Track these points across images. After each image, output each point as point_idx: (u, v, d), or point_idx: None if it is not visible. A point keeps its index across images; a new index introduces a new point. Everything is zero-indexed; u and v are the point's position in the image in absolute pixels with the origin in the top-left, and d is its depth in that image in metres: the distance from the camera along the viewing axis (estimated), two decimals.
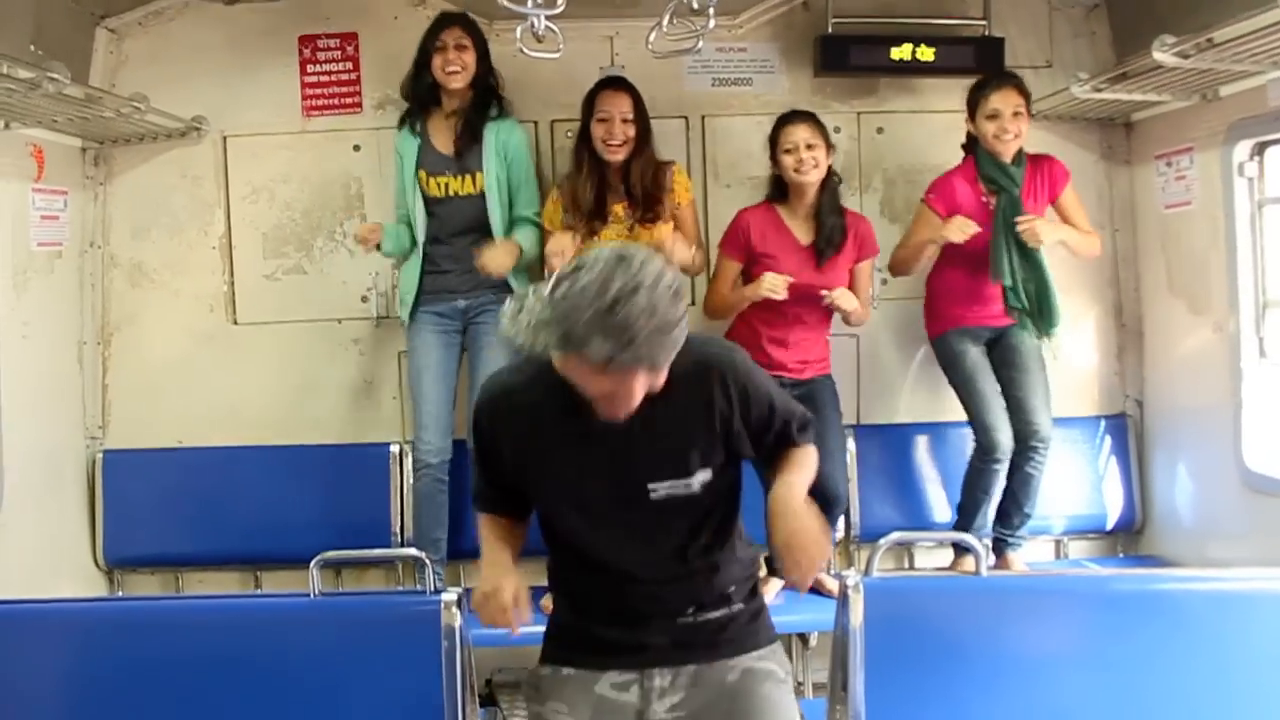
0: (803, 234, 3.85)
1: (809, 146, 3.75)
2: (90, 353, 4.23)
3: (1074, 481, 4.32)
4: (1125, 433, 4.39)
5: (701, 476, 2.13)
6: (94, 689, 2.45)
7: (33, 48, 3.50)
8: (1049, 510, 4.19)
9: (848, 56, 4.13)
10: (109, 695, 2.45)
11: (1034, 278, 3.82)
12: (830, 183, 3.84)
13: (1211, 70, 3.40)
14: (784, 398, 2.26)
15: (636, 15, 3.82)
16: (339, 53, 4.24)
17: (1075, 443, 4.34)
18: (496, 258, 3.76)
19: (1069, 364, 4.34)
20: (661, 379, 1.98)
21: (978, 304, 3.92)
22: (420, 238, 3.90)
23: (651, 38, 3.31)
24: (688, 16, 3.13)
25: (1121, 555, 4.39)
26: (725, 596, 2.22)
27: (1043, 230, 3.78)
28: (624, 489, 2.11)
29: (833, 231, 3.82)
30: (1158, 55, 3.26)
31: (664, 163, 3.91)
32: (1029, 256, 3.82)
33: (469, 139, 3.84)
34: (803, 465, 2.22)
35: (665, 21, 3.13)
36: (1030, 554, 4.20)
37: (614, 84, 3.84)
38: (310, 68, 4.26)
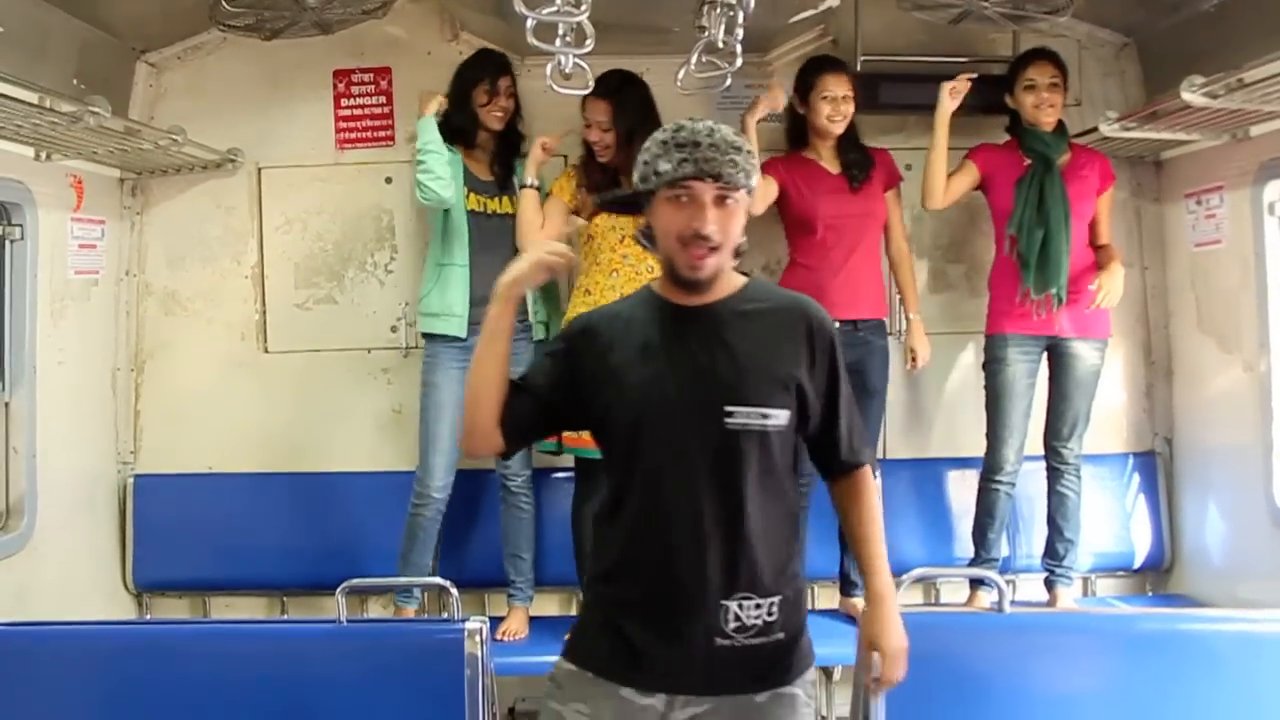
0: (830, 166, 3.97)
1: (844, 98, 3.90)
2: (124, 379, 4.30)
3: (1102, 519, 4.28)
4: (1154, 471, 4.36)
5: (777, 416, 2.12)
6: (123, 711, 2.48)
7: (75, 82, 3.58)
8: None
9: (877, 94, 4.15)
10: (137, 717, 2.47)
11: (1044, 228, 3.83)
12: (853, 125, 3.98)
13: (1241, 110, 3.40)
14: (853, 398, 2.29)
15: (666, 52, 3.85)
16: (372, 87, 4.31)
17: (1103, 480, 4.31)
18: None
19: (1098, 400, 4.31)
20: (735, 226, 2.12)
21: (1024, 306, 3.89)
22: (465, 252, 3.90)
23: (680, 75, 3.36)
24: (716, 53, 3.17)
25: (1150, 594, 4.35)
26: (769, 624, 2.12)
27: (1118, 290, 3.86)
28: (702, 406, 2.10)
29: (859, 159, 3.96)
30: (1186, 96, 3.26)
31: None
32: (1047, 217, 3.83)
33: (502, 170, 3.97)
34: (879, 522, 2.30)
35: (694, 59, 3.17)
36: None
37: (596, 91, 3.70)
38: (344, 101, 4.33)
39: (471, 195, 3.92)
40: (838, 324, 3.72)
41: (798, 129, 4.02)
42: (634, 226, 3.72)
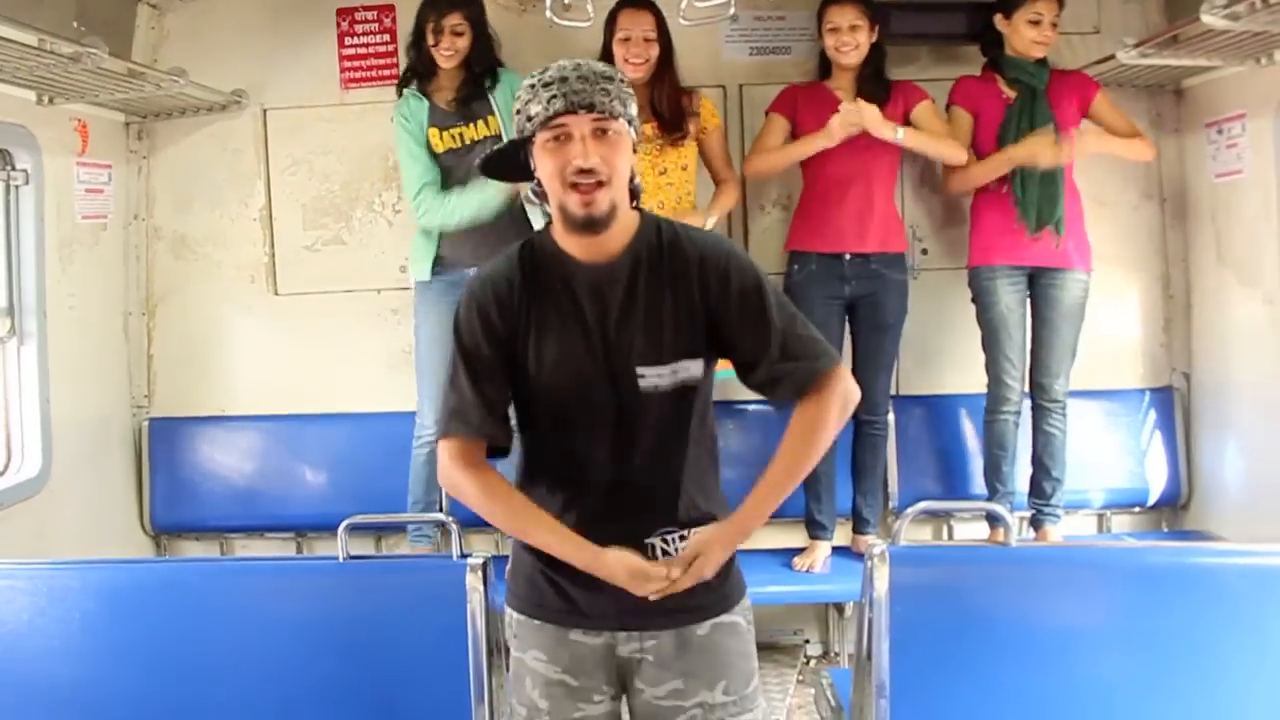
0: (846, 98, 3.86)
1: (852, 28, 3.80)
2: (135, 323, 4.32)
3: (1117, 455, 4.25)
4: (1171, 406, 4.30)
5: (689, 367, 2.09)
6: (131, 644, 2.51)
7: (75, 24, 3.55)
8: (1091, 483, 4.15)
9: (888, 23, 4.06)
10: (146, 650, 2.50)
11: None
12: (875, 56, 3.88)
13: (1265, 33, 3.29)
14: (786, 301, 2.16)
15: None
16: (376, 25, 4.26)
17: (1119, 415, 4.27)
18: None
19: (1114, 335, 4.27)
20: (621, 159, 2.04)
21: (1010, 236, 3.86)
22: None
23: (683, 6, 3.29)
24: None
25: (1166, 530, 4.32)
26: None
27: (1084, 143, 3.79)
28: (614, 371, 2.08)
29: (873, 91, 3.85)
30: (1207, 19, 3.15)
31: (689, 89, 3.88)
32: None
33: (470, 92, 3.86)
34: (802, 450, 2.14)
35: None
36: (1072, 527, 4.15)
37: (635, 2, 3.76)
38: (348, 40, 4.29)
39: (445, 134, 3.86)
40: (847, 256, 3.81)
41: (825, 61, 3.95)
42: (673, 155, 3.76)
